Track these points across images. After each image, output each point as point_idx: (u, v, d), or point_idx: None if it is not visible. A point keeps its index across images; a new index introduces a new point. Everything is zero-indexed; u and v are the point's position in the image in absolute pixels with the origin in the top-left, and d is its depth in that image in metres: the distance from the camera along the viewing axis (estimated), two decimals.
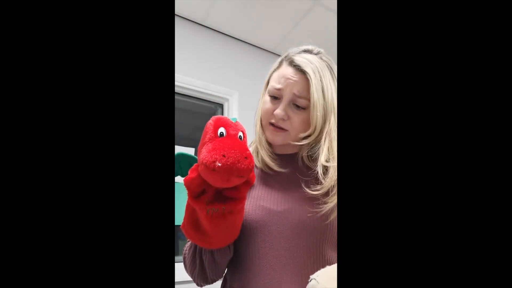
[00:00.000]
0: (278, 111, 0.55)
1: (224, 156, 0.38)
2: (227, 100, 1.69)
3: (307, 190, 0.53)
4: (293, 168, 0.60)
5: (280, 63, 0.61)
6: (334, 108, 0.56)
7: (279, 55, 2.21)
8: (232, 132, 0.43)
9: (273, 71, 0.61)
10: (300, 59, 0.57)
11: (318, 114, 0.54)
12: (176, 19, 1.69)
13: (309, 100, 0.55)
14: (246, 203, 0.56)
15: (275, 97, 0.58)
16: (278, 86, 0.57)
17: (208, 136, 0.43)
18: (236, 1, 1.59)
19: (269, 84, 0.60)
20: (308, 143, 0.57)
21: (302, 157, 0.59)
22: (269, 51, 1.90)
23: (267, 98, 0.59)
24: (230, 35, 1.84)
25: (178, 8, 1.63)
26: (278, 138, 0.58)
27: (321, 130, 0.56)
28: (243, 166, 0.39)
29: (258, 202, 0.55)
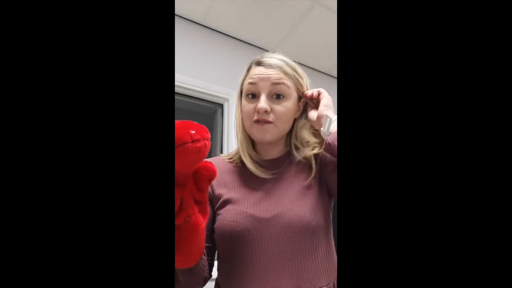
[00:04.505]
0: (260, 104, 0.57)
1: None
2: (227, 100, 1.69)
3: (305, 183, 0.58)
4: (279, 170, 0.61)
5: (248, 69, 0.64)
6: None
7: None
8: None
9: (244, 79, 0.64)
10: (266, 58, 0.61)
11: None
12: (176, 19, 1.69)
13: (287, 86, 0.59)
14: (228, 207, 0.56)
15: (253, 95, 0.59)
16: (252, 81, 0.59)
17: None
18: (236, 1, 1.59)
19: (243, 89, 0.62)
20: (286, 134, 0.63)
21: (292, 156, 0.62)
22: (269, 51, 1.89)
23: (245, 101, 0.61)
24: (230, 35, 1.84)
25: (178, 8, 1.63)
26: (265, 133, 0.58)
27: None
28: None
29: (243, 209, 0.55)
